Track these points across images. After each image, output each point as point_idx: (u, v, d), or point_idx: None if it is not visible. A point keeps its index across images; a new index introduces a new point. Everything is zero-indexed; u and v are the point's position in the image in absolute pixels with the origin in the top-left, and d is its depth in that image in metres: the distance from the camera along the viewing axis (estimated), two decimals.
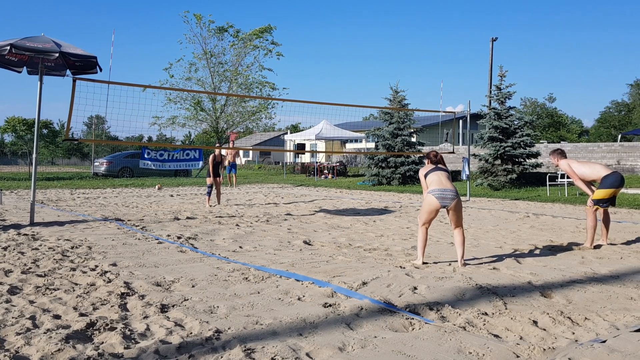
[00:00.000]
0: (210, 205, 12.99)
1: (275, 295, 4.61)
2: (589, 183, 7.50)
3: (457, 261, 5.94)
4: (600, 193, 7.18)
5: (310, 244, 7.43)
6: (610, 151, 24.25)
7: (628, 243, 7.54)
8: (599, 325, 3.84)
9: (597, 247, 7.18)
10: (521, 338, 3.58)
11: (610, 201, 7.25)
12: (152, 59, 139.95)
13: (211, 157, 13.01)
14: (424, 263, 5.98)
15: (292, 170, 36.14)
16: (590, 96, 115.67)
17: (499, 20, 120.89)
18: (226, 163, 18.90)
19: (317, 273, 5.51)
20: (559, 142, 46.07)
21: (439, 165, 6.21)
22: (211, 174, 12.94)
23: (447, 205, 5.80)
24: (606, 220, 7.46)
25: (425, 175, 6.06)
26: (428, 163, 6.35)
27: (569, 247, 7.17)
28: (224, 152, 17.03)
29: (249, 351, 3.26)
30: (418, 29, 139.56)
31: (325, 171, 29.85)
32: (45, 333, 3.53)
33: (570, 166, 7.42)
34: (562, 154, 7.63)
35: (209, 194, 13.01)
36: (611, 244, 7.35)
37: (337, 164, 31.56)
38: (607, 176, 7.18)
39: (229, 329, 3.70)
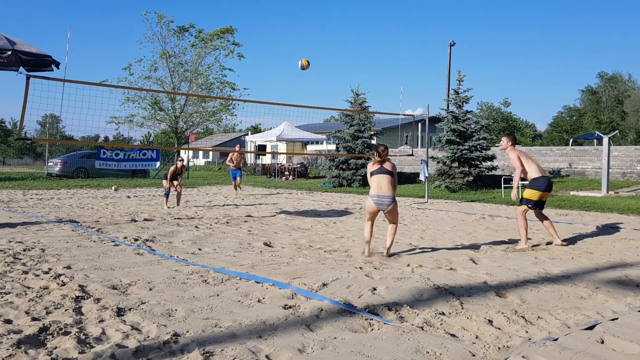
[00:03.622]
0: (169, 207, 12.80)
1: (234, 298, 4.58)
2: (523, 179, 7.76)
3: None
4: (528, 193, 7.47)
5: (270, 246, 7.41)
6: (562, 155, 25.04)
7: (579, 244, 7.79)
8: (551, 323, 3.96)
9: (549, 243, 7.49)
10: (477, 337, 3.66)
11: (538, 204, 7.49)
12: (110, 58, 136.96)
13: (172, 168, 13.02)
14: (369, 255, 6.52)
15: (253, 171, 35.95)
16: (544, 101, 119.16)
17: (458, 24, 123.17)
18: (232, 166, 17.56)
19: (277, 275, 5.49)
20: None
21: (384, 166, 6.55)
22: (168, 178, 12.82)
23: (384, 210, 6.44)
24: (545, 221, 7.64)
25: (371, 174, 6.54)
26: (376, 157, 6.65)
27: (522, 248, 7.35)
28: (234, 155, 17.04)
29: (208, 354, 3.23)
30: (379, 31, 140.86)
31: (286, 172, 29.80)
32: None
33: (519, 159, 7.59)
34: (515, 140, 7.83)
35: (167, 195, 12.83)
36: (563, 244, 7.59)
37: (298, 165, 31.54)
38: (536, 178, 7.42)
39: (187, 332, 3.65)
